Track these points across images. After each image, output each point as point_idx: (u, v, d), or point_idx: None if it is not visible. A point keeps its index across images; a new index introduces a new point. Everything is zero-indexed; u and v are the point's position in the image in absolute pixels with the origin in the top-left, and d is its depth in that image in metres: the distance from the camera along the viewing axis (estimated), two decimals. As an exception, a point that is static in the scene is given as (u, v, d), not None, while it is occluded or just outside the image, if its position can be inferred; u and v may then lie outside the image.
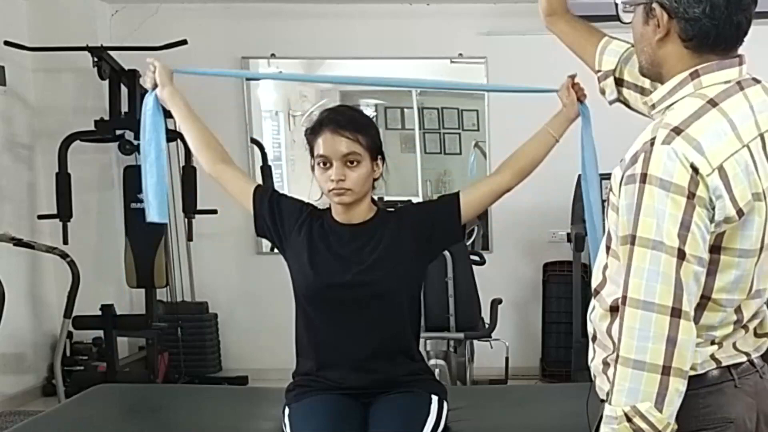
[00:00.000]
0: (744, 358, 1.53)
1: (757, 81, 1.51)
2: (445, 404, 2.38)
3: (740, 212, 1.39)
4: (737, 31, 1.45)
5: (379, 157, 2.31)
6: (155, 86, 2.43)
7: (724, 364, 1.50)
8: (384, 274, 2.28)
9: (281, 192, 2.46)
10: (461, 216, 2.33)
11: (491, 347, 4.33)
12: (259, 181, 5.08)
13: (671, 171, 1.34)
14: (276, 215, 2.35)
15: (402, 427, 2.24)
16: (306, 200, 2.42)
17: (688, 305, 1.36)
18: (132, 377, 4.82)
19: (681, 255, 1.34)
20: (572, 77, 2.29)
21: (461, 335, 4.05)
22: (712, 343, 1.49)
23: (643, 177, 1.36)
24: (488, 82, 5.20)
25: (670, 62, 1.49)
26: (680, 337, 1.35)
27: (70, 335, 5.02)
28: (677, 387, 1.36)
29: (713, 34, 1.43)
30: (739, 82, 1.47)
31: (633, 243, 1.38)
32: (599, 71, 1.97)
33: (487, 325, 4.14)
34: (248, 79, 5.51)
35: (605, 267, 1.54)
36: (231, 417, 2.66)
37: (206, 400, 2.92)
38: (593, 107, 2.31)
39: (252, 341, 5.41)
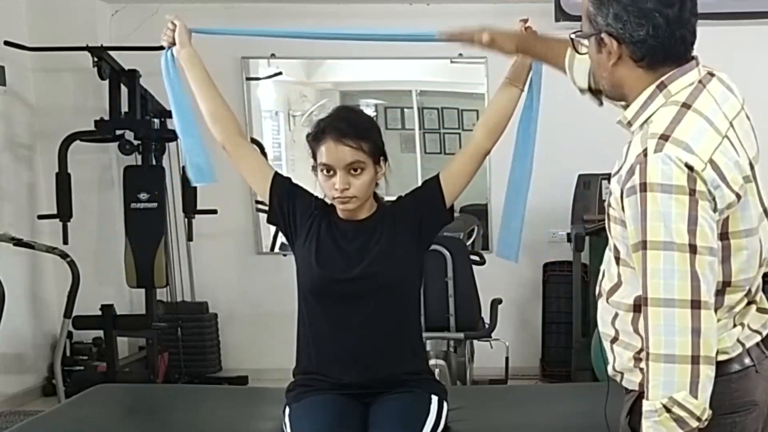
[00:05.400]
0: (758, 338, 1.62)
1: (712, 75, 1.60)
2: (445, 404, 2.38)
3: (738, 196, 1.49)
4: (683, 44, 1.56)
5: (382, 158, 2.32)
6: (172, 44, 2.37)
7: (747, 345, 1.59)
8: (387, 266, 2.29)
9: (296, 183, 2.43)
10: (445, 195, 2.33)
11: (491, 347, 4.33)
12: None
13: (669, 174, 1.43)
14: (290, 206, 2.35)
15: (402, 427, 2.24)
16: (315, 194, 2.40)
17: (707, 295, 1.44)
18: (132, 377, 4.82)
19: (693, 250, 1.43)
20: (524, 21, 2.26)
21: (461, 335, 4.04)
22: (734, 325, 1.58)
23: (643, 186, 1.45)
24: (489, 82, 5.19)
25: (629, 82, 1.59)
26: (703, 327, 1.43)
27: (70, 335, 5.02)
28: (707, 373, 1.44)
29: (661, 51, 1.54)
30: (700, 81, 1.56)
31: (645, 248, 1.46)
32: (576, 85, 2.04)
33: (487, 325, 4.13)
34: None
35: (618, 274, 1.61)
36: (231, 417, 2.66)
37: (206, 400, 2.92)
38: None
39: (252, 341, 5.41)
